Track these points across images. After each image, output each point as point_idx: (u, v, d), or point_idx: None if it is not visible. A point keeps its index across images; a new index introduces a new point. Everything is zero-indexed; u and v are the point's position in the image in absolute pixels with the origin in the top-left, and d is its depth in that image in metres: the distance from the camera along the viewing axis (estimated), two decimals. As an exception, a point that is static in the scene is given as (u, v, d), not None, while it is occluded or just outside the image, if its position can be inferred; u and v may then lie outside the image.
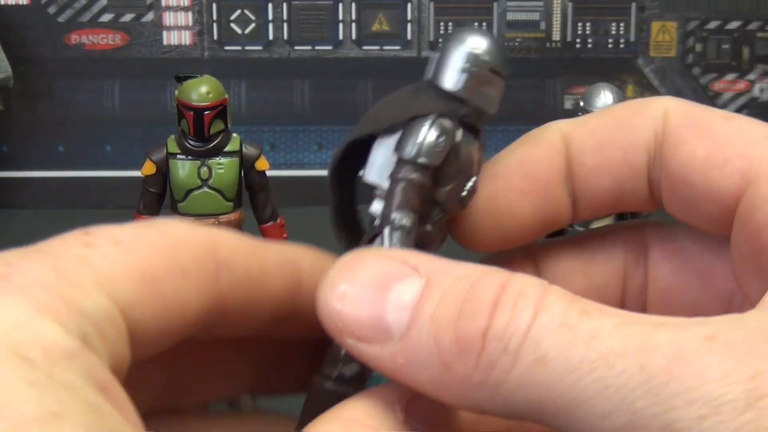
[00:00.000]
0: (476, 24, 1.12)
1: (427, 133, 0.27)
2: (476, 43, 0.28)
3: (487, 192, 0.28)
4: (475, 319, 0.22)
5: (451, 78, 0.28)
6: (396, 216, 0.26)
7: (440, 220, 0.27)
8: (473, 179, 0.28)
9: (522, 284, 0.23)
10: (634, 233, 0.31)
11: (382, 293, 0.23)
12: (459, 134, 0.27)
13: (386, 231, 0.26)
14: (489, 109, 0.28)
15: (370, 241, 0.26)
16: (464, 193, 0.28)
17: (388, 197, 0.26)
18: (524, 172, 0.29)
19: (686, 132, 0.27)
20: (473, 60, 0.27)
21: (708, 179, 0.26)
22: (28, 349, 0.18)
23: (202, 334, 0.24)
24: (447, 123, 0.27)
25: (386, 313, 0.23)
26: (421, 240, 0.27)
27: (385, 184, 0.27)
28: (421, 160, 0.27)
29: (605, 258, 0.30)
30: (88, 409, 0.18)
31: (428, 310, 0.23)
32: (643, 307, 0.31)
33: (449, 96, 0.27)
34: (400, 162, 0.27)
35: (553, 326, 0.22)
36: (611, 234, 0.31)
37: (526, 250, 0.31)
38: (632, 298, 0.31)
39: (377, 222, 0.27)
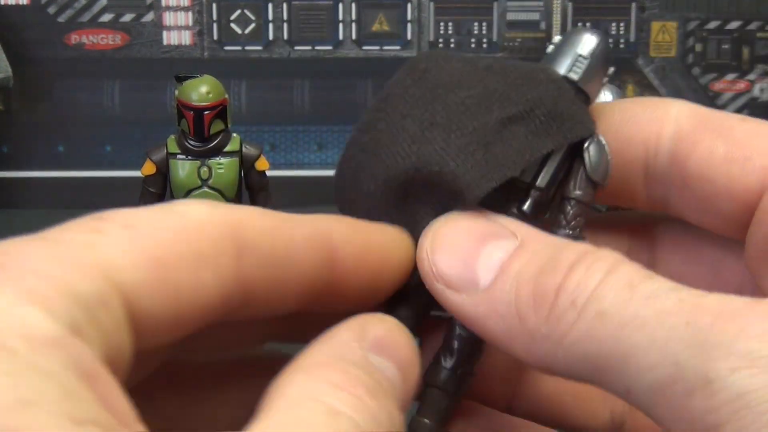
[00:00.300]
0: (476, 24, 1.12)
1: (609, 158, 0.28)
2: (597, 42, 0.28)
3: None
4: (552, 275, 0.24)
5: (595, 87, 0.28)
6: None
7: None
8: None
9: (602, 253, 0.24)
10: (642, 221, 0.31)
11: (478, 247, 0.25)
12: None
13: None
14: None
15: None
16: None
17: (574, 218, 0.28)
18: None
19: (703, 131, 0.27)
20: (608, 71, 0.28)
21: (729, 176, 0.27)
22: (8, 338, 0.18)
23: (227, 317, 0.24)
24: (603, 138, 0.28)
25: (477, 265, 0.25)
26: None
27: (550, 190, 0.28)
28: (604, 186, 0.28)
29: (607, 241, 0.31)
30: (64, 396, 0.17)
31: (516, 266, 0.25)
32: None
33: (587, 102, 0.28)
34: (594, 186, 0.28)
35: (617, 286, 0.23)
36: (616, 219, 0.31)
37: None
38: None
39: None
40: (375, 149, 0.27)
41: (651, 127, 0.28)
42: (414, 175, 0.26)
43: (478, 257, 0.25)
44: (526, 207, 0.27)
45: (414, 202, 0.26)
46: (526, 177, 0.27)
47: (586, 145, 0.27)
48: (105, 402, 0.18)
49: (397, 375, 0.23)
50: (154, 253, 0.21)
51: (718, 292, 0.30)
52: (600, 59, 0.28)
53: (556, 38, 0.29)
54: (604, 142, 0.28)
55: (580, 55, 0.28)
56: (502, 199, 0.27)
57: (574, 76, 0.28)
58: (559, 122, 0.27)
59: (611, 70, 0.29)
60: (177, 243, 0.22)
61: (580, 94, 0.28)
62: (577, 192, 0.28)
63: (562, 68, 0.28)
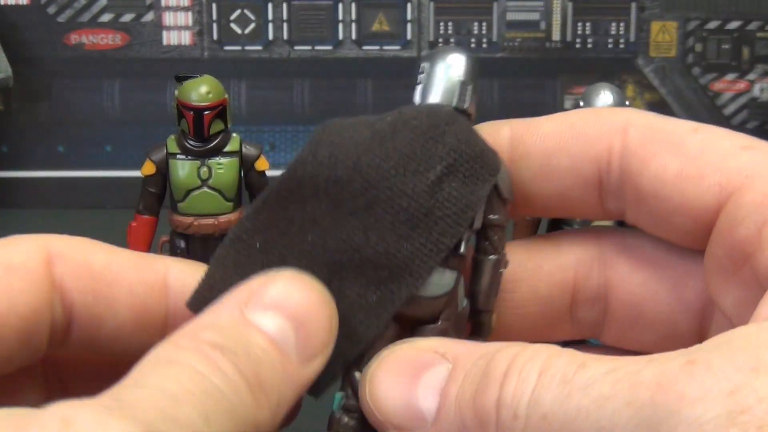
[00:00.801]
0: (476, 24, 1.12)
1: (507, 174, 0.28)
2: (468, 61, 0.28)
3: None
4: (488, 391, 0.24)
5: (474, 104, 0.28)
6: (505, 255, 0.28)
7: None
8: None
9: (532, 351, 0.24)
10: (588, 242, 0.30)
11: (415, 382, 0.25)
12: None
13: (501, 272, 0.28)
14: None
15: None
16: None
17: (497, 241, 0.28)
18: None
19: (654, 146, 0.27)
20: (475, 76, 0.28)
21: (683, 194, 0.26)
22: None
23: (61, 341, 0.25)
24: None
25: (419, 400, 0.25)
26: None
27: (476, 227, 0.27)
28: (511, 197, 0.28)
29: (553, 268, 0.30)
30: None
31: (453, 391, 0.24)
32: (597, 319, 0.31)
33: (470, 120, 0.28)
34: (507, 204, 0.28)
35: (553, 383, 0.23)
36: (563, 242, 0.31)
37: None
38: (584, 309, 0.31)
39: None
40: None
41: (601, 143, 0.28)
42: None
43: (417, 393, 0.25)
44: (462, 250, 0.27)
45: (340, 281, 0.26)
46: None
47: None
48: None
49: (288, 328, 0.23)
50: None
51: (681, 312, 0.29)
52: (475, 76, 0.28)
53: (424, 66, 0.28)
54: (501, 158, 0.27)
55: (462, 82, 0.27)
56: None
57: (463, 105, 0.27)
58: (480, 163, 0.26)
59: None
60: None
61: (466, 116, 0.28)
62: (495, 217, 0.27)
63: (450, 100, 0.27)
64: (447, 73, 0.27)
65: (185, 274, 0.27)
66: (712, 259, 0.26)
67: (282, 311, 0.23)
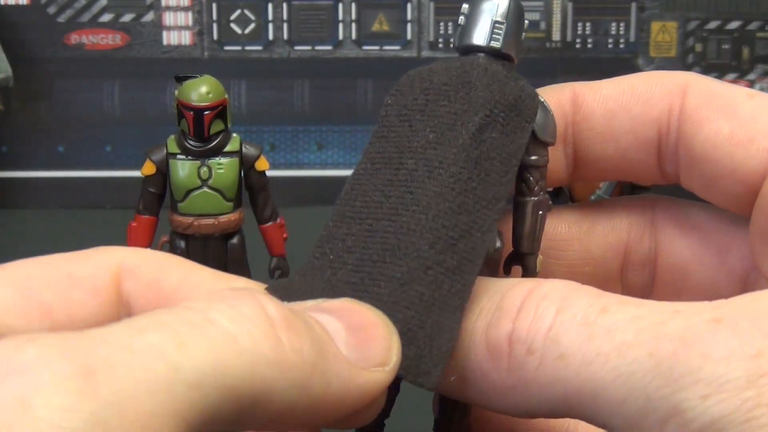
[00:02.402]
0: (476, 24, 1.12)
1: (551, 114, 0.27)
2: (506, 2, 0.27)
3: None
4: (501, 324, 0.23)
5: (516, 47, 0.28)
6: (548, 197, 0.28)
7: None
8: None
9: (548, 287, 0.24)
10: (642, 208, 0.30)
11: None
12: None
13: (544, 213, 0.28)
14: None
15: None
16: None
17: (537, 181, 0.27)
18: None
19: (709, 110, 0.27)
20: (524, 26, 0.28)
21: (732, 158, 0.26)
22: None
23: None
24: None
25: None
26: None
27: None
28: (553, 141, 0.27)
29: (606, 229, 0.31)
30: None
31: (467, 325, 0.24)
32: (647, 282, 0.31)
33: (512, 61, 0.28)
34: (545, 146, 0.27)
35: (573, 324, 0.23)
36: (616, 206, 0.31)
37: None
38: (634, 272, 0.31)
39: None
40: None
41: (661, 105, 0.28)
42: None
43: None
44: None
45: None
46: None
47: None
48: None
49: (341, 330, 0.22)
50: (17, 278, 0.23)
51: (724, 277, 0.29)
52: (515, 18, 0.27)
53: (465, 7, 0.28)
54: (543, 100, 0.27)
55: (496, 22, 0.27)
56: None
57: (496, 45, 0.27)
58: (516, 111, 0.26)
59: (526, 23, 0.28)
60: (46, 269, 0.24)
61: (506, 60, 0.27)
62: (533, 158, 0.27)
63: (482, 39, 0.27)
64: (482, 14, 0.27)
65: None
66: (757, 224, 0.27)
67: (335, 314, 0.23)
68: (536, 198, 0.27)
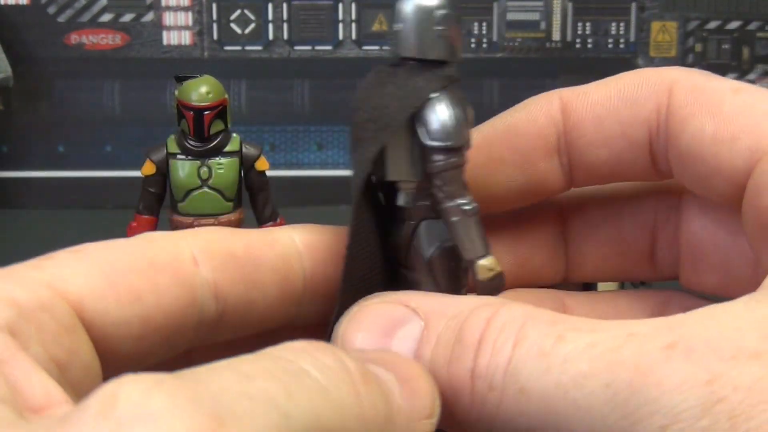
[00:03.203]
0: (476, 24, 1.12)
1: (450, 114, 0.26)
2: (434, 2, 0.27)
3: (471, 157, 0.27)
4: (462, 360, 0.23)
5: (432, 46, 0.27)
6: (463, 201, 0.26)
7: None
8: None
9: (506, 316, 0.23)
10: (667, 189, 0.30)
11: (387, 342, 0.24)
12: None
13: (459, 220, 0.26)
14: (460, 57, 0.27)
15: (413, 230, 0.26)
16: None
17: (439, 188, 0.26)
18: (507, 143, 0.29)
19: (693, 108, 0.26)
20: (442, 20, 0.27)
21: (717, 156, 0.26)
22: None
23: (208, 333, 0.24)
24: (457, 93, 0.26)
25: None
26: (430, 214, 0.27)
27: (413, 178, 0.26)
28: (454, 143, 0.26)
29: (634, 210, 0.31)
30: None
31: (427, 353, 0.24)
32: (675, 261, 0.31)
33: (435, 64, 0.27)
34: (438, 151, 0.26)
35: (530, 356, 0.22)
36: (642, 188, 0.31)
37: (555, 203, 0.32)
38: (663, 250, 0.31)
39: (434, 214, 0.27)
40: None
41: (649, 105, 0.28)
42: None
43: (390, 348, 0.24)
44: (401, 203, 0.27)
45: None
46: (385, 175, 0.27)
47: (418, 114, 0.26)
48: (8, 380, 0.19)
49: (395, 383, 0.22)
50: (102, 265, 0.23)
51: (737, 258, 0.29)
52: (415, 20, 0.26)
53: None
54: (436, 96, 0.26)
55: (395, 31, 0.27)
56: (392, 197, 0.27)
57: (407, 53, 0.27)
58: (390, 115, 0.26)
59: (441, 15, 0.26)
60: (127, 254, 0.24)
61: (429, 62, 0.26)
62: (433, 164, 0.26)
63: (403, 51, 0.27)
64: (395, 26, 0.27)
65: (310, 237, 0.26)
66: (747, 220, 0.26)
67: (388, 366, 0.23)
68: (444, 206, 0.27)
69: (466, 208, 0.26)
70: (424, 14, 0.26)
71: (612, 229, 0.31)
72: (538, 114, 0.28)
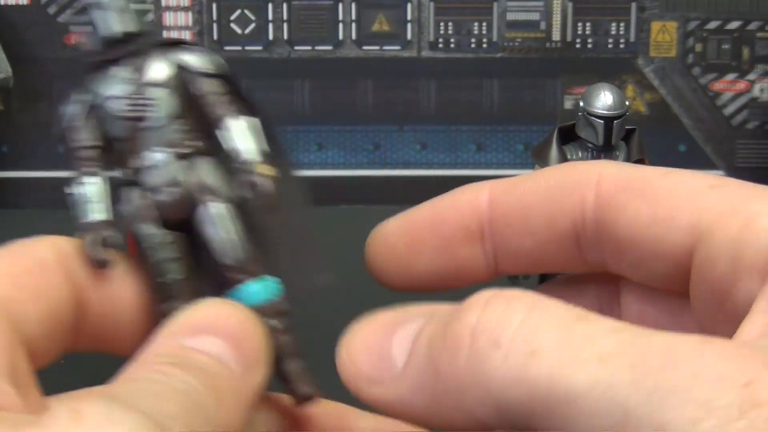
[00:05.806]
0: (476, 24, 1.12)
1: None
2: None
3: (397, 236, 0.29)
4: (465, 317, 0.22)
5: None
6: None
7: None
8: None
9: (520, 291, 0.23)
10: (606, 278, 0.30)
11: (389, 336, 0.24)
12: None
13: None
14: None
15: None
16: None
17: None
18: (432, 228, 0.30)
19: (626, 194, 0.27)
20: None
21: (656, 238, 0.26)
22: None
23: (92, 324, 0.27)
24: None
25: (391, 351, 0.24)
26: None
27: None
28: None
29: (579, 297, 0.30)
30: None
31: (426, 333, 0.24)
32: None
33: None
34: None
35: (550, 324, 0.21)
36: (584, 278, 0.31)
37: None
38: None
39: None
40: None
41: (573, 197, 0.28)
42: None
43: (390, 344, 0.24)
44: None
45: None
46: None
47: None
48: None
49: (227, 347, 0.24)
50: (5, 270, 0.26)
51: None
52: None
53: None
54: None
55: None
56: None
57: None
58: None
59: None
60: (20, 259, 0.27)
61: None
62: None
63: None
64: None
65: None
66: (697, 298, 0.26)
67: (218, 334, 0.24)
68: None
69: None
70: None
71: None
72: (463, 202, 0.29)
